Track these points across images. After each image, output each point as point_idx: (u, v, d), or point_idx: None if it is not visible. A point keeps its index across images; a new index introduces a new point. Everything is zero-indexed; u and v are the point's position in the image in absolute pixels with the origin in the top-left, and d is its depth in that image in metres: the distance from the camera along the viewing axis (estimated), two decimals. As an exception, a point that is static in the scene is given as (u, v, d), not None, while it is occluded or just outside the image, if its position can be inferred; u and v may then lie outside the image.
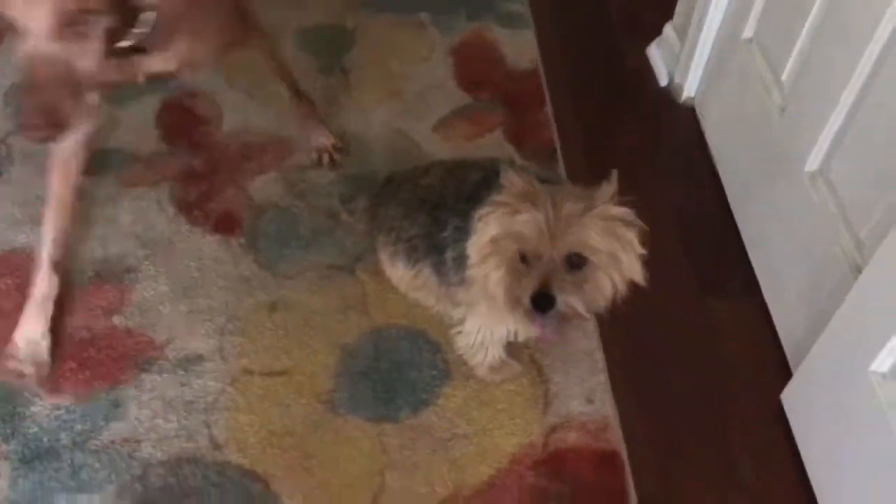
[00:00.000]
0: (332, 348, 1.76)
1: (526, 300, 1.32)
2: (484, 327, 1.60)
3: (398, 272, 1.72)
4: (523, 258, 1.34)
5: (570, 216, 1.30)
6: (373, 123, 2.19)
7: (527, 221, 1.31)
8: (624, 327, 1.79)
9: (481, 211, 1.37)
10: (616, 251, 1.33)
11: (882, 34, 1.43)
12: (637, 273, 1.36)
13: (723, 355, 1.77)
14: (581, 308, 1.34)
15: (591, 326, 1.80)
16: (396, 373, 1.73)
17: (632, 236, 1.33)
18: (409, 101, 2.26)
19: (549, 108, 2.26)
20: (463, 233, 1.46)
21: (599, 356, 1.76)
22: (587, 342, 1.78)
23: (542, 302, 1.31)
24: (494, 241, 1.36)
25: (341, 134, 2.15)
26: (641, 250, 1.35)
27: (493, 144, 2.16)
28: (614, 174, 1.33)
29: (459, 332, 1.66)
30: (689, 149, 2.19)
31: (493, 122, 2.21)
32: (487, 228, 1.36)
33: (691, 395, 1.71)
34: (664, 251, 1.89)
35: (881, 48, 1.44)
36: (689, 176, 2.13)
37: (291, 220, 1.97)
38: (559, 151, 2.16)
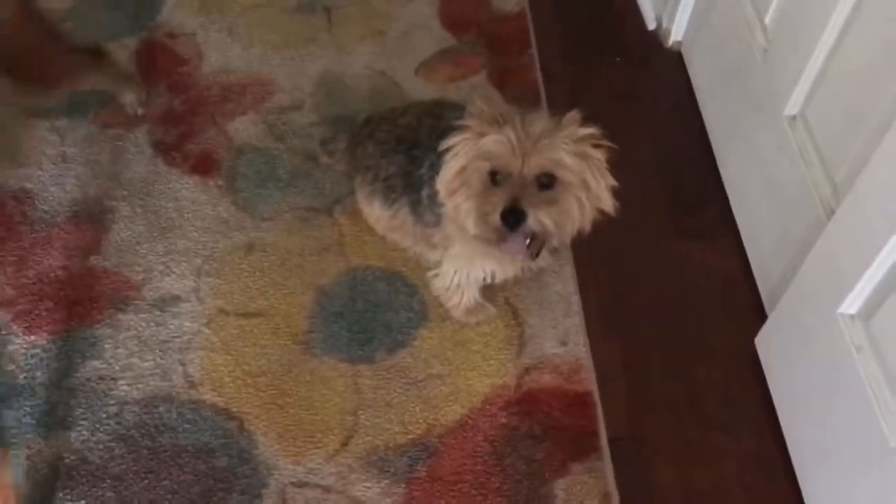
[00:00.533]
0: (309, 289, 1.76)
1: (496, 217, 1.32)
2: (460, 269, 1.60)
3: (375, 212, 1.72)
4: (493, 179, 1.33)
5: (540, 135, 1.30)
6: (355, 64, 2.17)
7: (496, 140, 1.31)
8: (600, 269, 1.81)
9: (448, 141, 1.36)
10: (586, 176, 1.33)
11: (863, -28, 1.41)
12: (606, 202, 1.37)
13: (698, 297, 1.77)
14: (551, 226, 1.34)
15: (568, 270, 1.80)
16: (372, 314, 1.73)
17: (601, 161, 1.33)
18: (393, 42, 2.23)
19: (534, 52, 2.24)
20: (438, 170, 1.46)
21: (575, 299, 1.76)
22: (563, 286, 1.78)
23: (512, 217, 1.31)
24: (463, 169, 1.35)
25: (322, 73, 2.14)
26: (612, 180, 1.35)
27: (476, 87, 2.14)
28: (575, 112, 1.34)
29: (436, 275, 1.67)
30: (676, 93, 2.18)
31: (477, 65, 2.19)
32: (455, 159, 1.35)
33: (665, 337, 1.71)
34: (644, 193, 1.92)
35: (862, -13, 1.42)
36: (675, 120, 2.12)
37: (270, 162, 1.96)
38: (543, 95, 2.14)
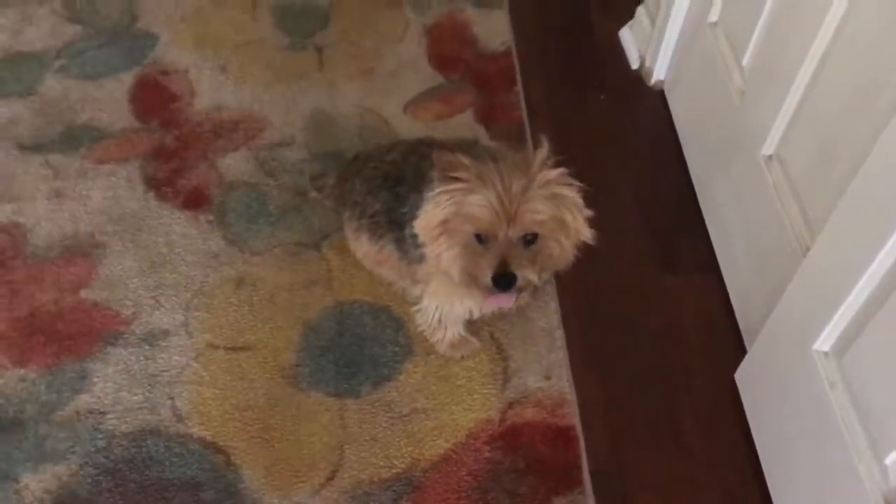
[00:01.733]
0: (297, 324, 1.77)
1: (487, 280, 1.36)
2: (441, 306, 1.62)
3: (362, 247, 1.74)
4: (478, 238, 1.36)
5: (521, 193, 1.32)
6: (344, 101, 2.20)
7: (481, 205, 1.33)
8: (583, 304, 1.82)
9: (430, 193, 1.38)
10: (562, 214, 1.36)
11: (833, 17, 1.44)
12: (585, 233, 1.40)
13: (680, 331, 1.79)
14: (535, 279, 1.39)
15: (553, 305, 1.82)
16: (359, 348, 1.74)
17: (573, 196, 1.36)
18: (382, 80, 2.26)
19: (519, 89, 2.27)
20: (420, 210, 1.47)
21: (559, 333, 1.78)
22: (547, 321, 1.79)
23: (503, 281, 1.36)
24: (445, 222, 1.37)
25: (313, 110, 2.16)
26: (586, 211, 1.38)
27: (463, 125, 2.17)
28: (544, 141, 1.36)
29: (419, 310, 1.69)
30: (657, 130, 2.20)
31: (463, 103, 2.22)
32: (437, 210, 1.37)
33: (648, 372, 1.73)
34: (627, 229, 1.94)
35: (833, 32, 1.45)
36: (656, 157, 2.14)
37: (261, 198, 1.98)
38: (528, 131, 2.16)
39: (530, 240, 1.36)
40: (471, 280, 1.40)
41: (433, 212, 1.38)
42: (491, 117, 2.18)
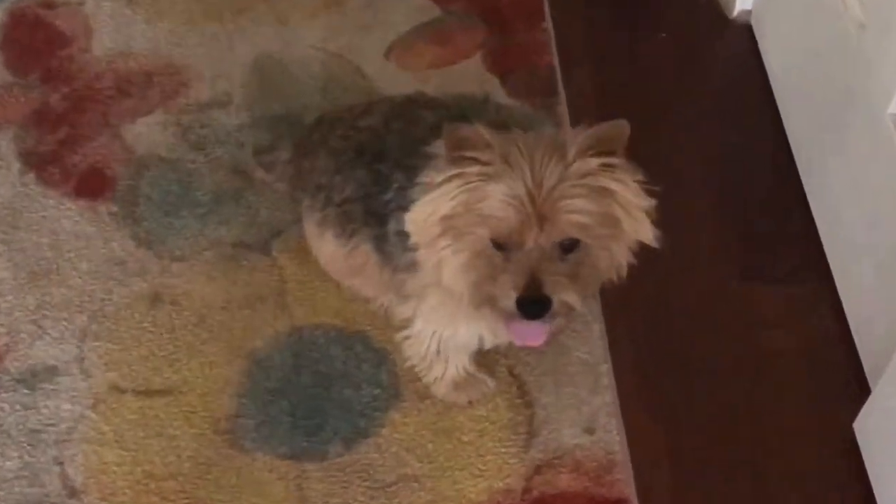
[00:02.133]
0: (237, 357, 1.77)
1: (510, 304, 1.33)
2: (440, 331, 1.61)
3: (328, 248, 1.72)
4: (497, 245, 1.34)
5: (555, 184, 1.30)
6: (301, 44, 2.19)
7: (503, 199, 1.30)
8: (639, 326, 1.81)
9: (428, 176, 1.36)
10: (613, 212, 1.34)
11: None
12: (645, 234, 1.37)
13: (774, 362, 1.77)
14: (577, 303, 1.35)
15: (596, 329, 1.81)
16: (324, 391, 1.73)
17: (627, 181, 1.33)
18: (354, 14, 2.26)
19: (548, 26, 2.26)
20: (410, 198, 1.45)
21: (605, 368, 1.76)
22: (588, 350, 1.78)
23: (533, 308, 1.33)
24: (450, 218, 1.35)
25: (257, 57, 2.15)
26: (647, 200, 1.35)
27: (468, 75, 2.16)
28: (622, 123, 1.32)
29: (409, 338, 1.67)
30: (742, 80, 2.19)
31: (470, 44, 2.21)
32: (440, 202, 1.34)
33: (729, 420, 1.71)
34: (698, 220, 1.91)
35: None
36: (739, 119, 2.13)
37: (184, 180, 1.98)
38: (561, 87, 2.15)
39: (568, 247, 1.34)
40: (484, 301, 1.38)
41: (435, 203, 1.35)
42: (508, 64, 2.17)
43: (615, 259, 1.39)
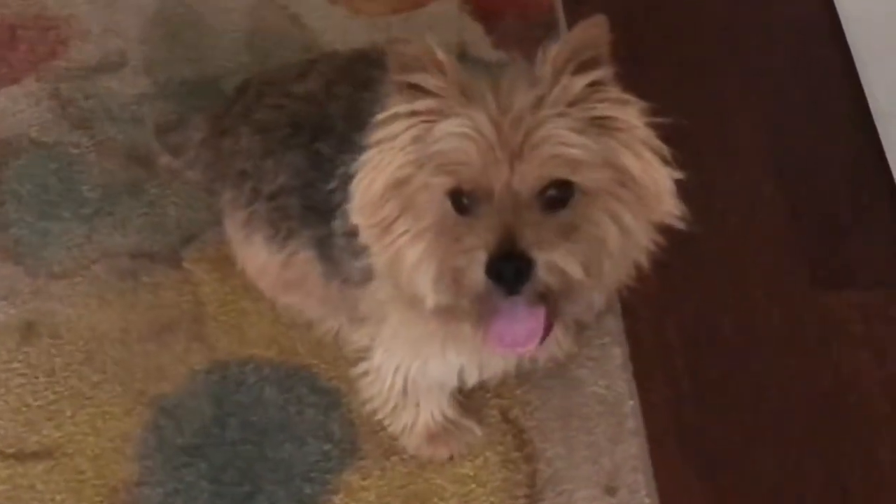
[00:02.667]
0: (138, 405, 1.76)
1: (477, 272, 1.28)
2: (406, 362, 1.59)
3: (258, 256, 1.73)
4: (459, 203, 1.31)
5: (532, 109, 1.27)
6: (219, -16, 2.19)
7: (458, 134, 1.28)
8: (677, 350, 1.81)
9: (372, 132, 1.34)
10: (616, 156, 1.31)
11: None
12: (667, 201, 1.33)
13: (858, 393, 1.78)
14: (577, 272, 1.29)
15: (617, 354, 1.80)
16: (256, 448, 1.73)
17: (634, 122, 1.31)
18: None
19: (548, -50, 2.25)
20: (358, 184, 1.45)
21: (630, 407, 1.76)
22: (607, 383, 1.78)
23: (508, 270, 1.27)
24: (399, 184, 1.33)
25: (160, 5, 2.15)
26: (664, 149, 1.31)
27: (443, 20, 2.16)
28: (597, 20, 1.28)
29: (367, 373, 1.67)
30: (808, 21, 2.20)
31: (443, -20, 2.21)
32: (385, 159, 1.33)
33: (797, 474, 1.71)
34: (754, 204, 1.91)
35: None
36: (805, 69, 2.14)
37: (65, 171, 1.97)
38: (565, 32, 2.10)
39: (556, 198, 1.30)
40: (453, 289, 1.33)
41: (378, 164, 1.33)
42: (494, 5, 2.18)
43: (628, 233, 1.34)
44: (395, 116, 1.32)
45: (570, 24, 2.14)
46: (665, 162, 1.32)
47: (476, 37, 2.13)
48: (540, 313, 1.36)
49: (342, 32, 2.12)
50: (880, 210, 1.94)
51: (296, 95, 1.68)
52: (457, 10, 2.18)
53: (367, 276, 1.52)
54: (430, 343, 1.53)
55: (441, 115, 1.29)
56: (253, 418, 1.76)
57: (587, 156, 1.28)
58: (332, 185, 1.54)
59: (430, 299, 1.36)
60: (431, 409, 1.68)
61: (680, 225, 1.35)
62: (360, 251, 1.49)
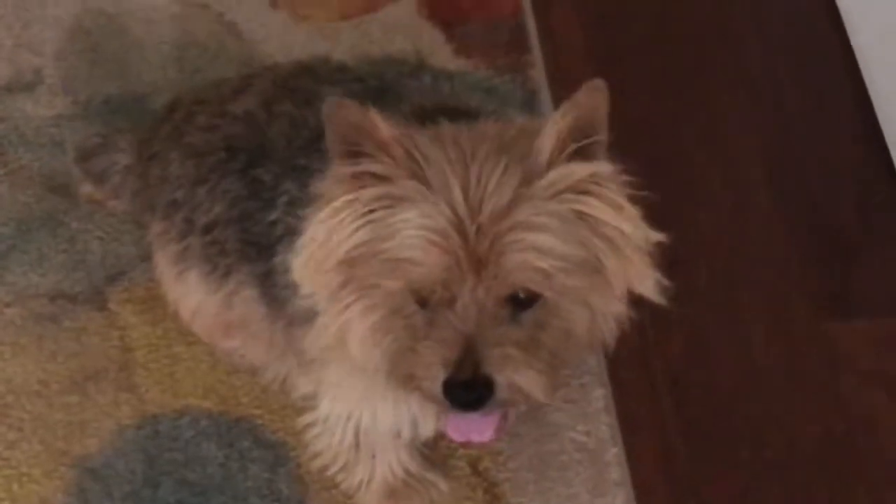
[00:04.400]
0: (59, 466, 1.76)
1: (435, 387, 1.31)
2: (355, 411, 1.58)
3: (192, 295, 1.74)
4: (418, 294, 1.32)
5: (503, 206, 1.27)
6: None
7: (417, 236, 1.28)
8: (666, 390, 1.81)
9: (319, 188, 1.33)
10: (593, 249, 1.31)
11: None
12: (643, 278, 1.34)
13: (868, 434, 1.77)
14: (539, 389, 1.33)
15: (599, 396, 1.79)
16: (193, 512, 1.68)
17: (618, 201, 1.30)
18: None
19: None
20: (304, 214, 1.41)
21: (614, 455, 1.75)
22: (587, 429, 1.77)
23: (467, 394, 1.31)
24: (349, 263, 1.33)
25: (79, 14, 2.14)
26: (652, 235, 1.31)
27: (398, 27, 2.16)
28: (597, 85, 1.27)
29: (314, 424, 1.66)
30: (806, 19, 2.20)
31: (396, -18, 2.18)
32: (328, 238, 1.32)
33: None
34: (752, 232, 1.90)
35: None
36: (805, 78, 2.13)
37: (-30, 203, 1.92)
38: (535, 36, 2.15)
39: (523, 302, 1.32)
40: (405, 381, 1.37)
41: (325, 242, 1.33)
42: (456, 9, 2.18)
43: (599, 318, 1.37)
44: (341, 204, 1.31)
45: (541, 29, 2.15)
46: (650, 251, 1.34)
47: (435, 44, 2.14)
48: (493, 417, 1.44)
49: (284, 42, 2.13)
50: (890, 227, 1.94)
51: (231, 115, 1.68)
52: (413, 16, 2.19)
53: (312, 314, 1.49)
54: (378, 393, 1.54)
55: (394, 200, 1.29)
56: (190, 477, 1.76)
57: (564, 264, 1.29)
58: (274, 215, 1.55)
59: (383, 374, 1.41)
60: (389, 462, 1.68)
61: (657, 299, 1.37)
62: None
